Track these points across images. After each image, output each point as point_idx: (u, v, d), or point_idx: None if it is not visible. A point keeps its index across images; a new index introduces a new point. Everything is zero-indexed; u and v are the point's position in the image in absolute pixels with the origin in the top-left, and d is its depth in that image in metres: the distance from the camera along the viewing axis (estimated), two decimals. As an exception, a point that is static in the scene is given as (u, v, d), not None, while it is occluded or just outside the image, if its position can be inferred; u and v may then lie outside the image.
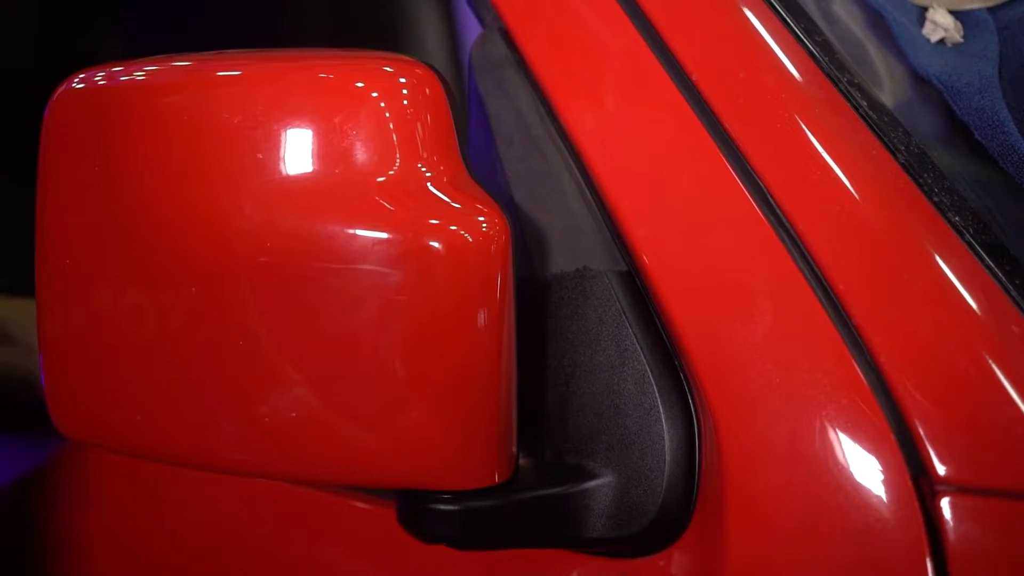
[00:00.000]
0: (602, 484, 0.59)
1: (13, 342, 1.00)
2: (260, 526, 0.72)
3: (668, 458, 0.58)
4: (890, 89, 0.66)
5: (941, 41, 0.71)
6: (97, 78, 0.61)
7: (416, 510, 0.58)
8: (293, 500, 0.70)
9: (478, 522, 0.58)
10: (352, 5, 1.62)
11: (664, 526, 0.58)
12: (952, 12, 0.72)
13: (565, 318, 0.62)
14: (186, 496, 0.74)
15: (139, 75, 0.61)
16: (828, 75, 0.60)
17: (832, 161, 0.58)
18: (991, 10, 0.73)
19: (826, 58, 0.61)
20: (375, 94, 0.56)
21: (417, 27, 1.58)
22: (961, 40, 0.71)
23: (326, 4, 1.63)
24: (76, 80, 0.61)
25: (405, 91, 0.57)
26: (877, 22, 0.70)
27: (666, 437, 0.58)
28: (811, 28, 0.62)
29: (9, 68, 1.64)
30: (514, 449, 0.58)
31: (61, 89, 0.61)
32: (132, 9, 1.68)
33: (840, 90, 0.60)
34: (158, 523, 0.76)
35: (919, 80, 0.68)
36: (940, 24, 0.71)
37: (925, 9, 0.72)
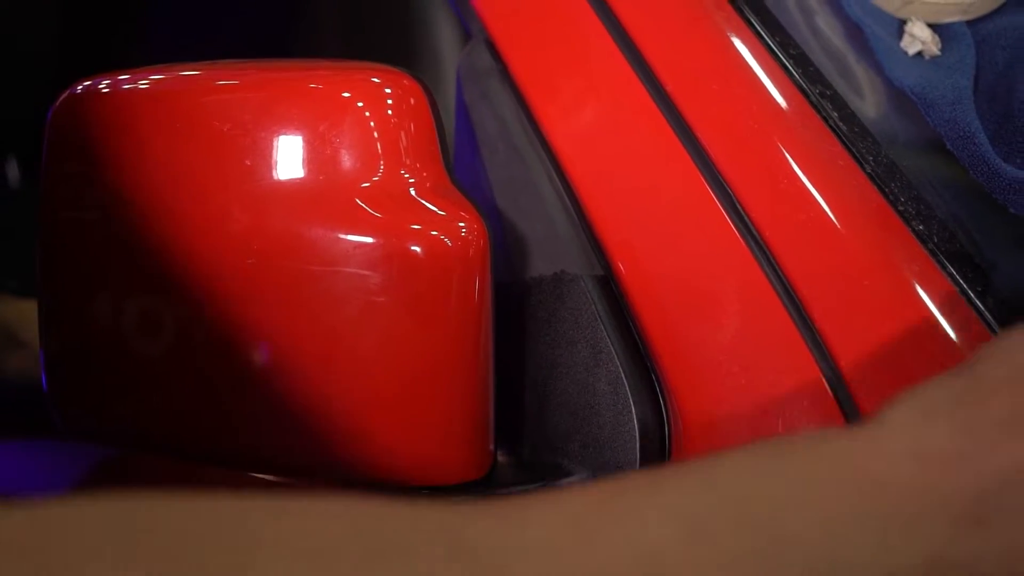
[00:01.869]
0: (576, 481, 0.61)
1: (25, 346, 1.02)
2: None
3: (639, 456, 0.60)
4: (864, 101, 0.68)
5: (919, 54, 0.72)
6: (101, 85, 0.63)
7: (396, 504, 0.60)
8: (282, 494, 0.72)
9: (456, 516, 0.60)
10: (367, 11, 1.64)
11: (635, 522, 0.60)
12: (931, 25, 0.73)
13: (543, 320, 0.64)
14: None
15: (142, 83, 0.64)
16: (799, 87, 0.62)
17: (800, 171, 0.59)
18: (970, 23, 0.74)
19: (799, 70, 0.63)
20: (360, 103, 0.59)
21: (431, 33, 1.60)
22: (939, 53, 0.72)
23: (342, 11, 1.65)
24: (79, 87, 0.63)
25: (390, 101, 0.59)
26: (856, 35, 0.71)
27: (637, 436, 0.60)
28: (786, 42, 0.64)
29: (30, 76, 1.67)
30: (492, 447, 0.60)
31: (64, 95, 0.63)
32: (154, 17, 1.70)
33: (811, 102, 0.62)
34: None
35: (894, 92, 0.69)
36: (918, 37, 0.72)
37: (904, 22, 0.73)
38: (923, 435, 0.40)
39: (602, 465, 0.61)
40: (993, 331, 0.57)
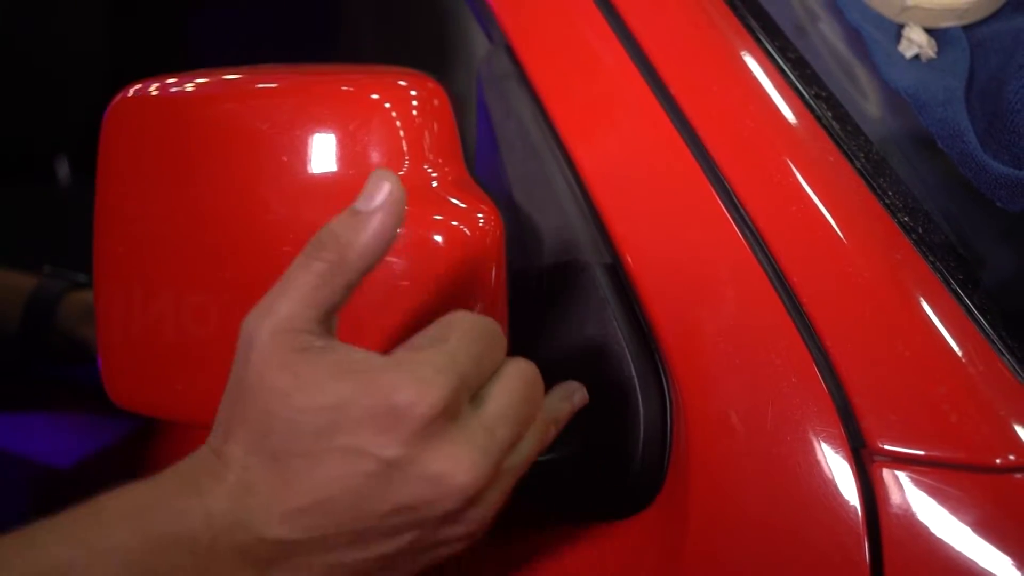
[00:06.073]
0: (583, 453, 0.66)
1: None
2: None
3: (642, 432, 0.64)
4: (860, 101, 0.72)
5: (916, 57, 0.76)
6: (151, 88, 0.68)
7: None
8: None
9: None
10: (405, 17, 1.69)
11: (638, 492, 0.65)
12: (928, 30, 0.77)
13: (555, 305, 0.68)
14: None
15: (188, 86, 0.68)
16: (795, 88, 0.67)
17: (793, 167, 0.64)
18: (967, 28, 0.78)
19: (796, 73, 0.67)
20: (388, 104, 0.63)
21: (466, 36, 1.64)
22: (934, 56, 0.76)
23: (380, 17, 1.70)
24: (131, 90, 0.68)
25: (415, 102, 0.63)
26: (854, 40, 0.76)
27: (641, 413, 0.64)
28: (785, 46, 0.69)
29: (81, 81, 1.74)
30: (506, 421, 0.65)
31: (118, 98, 0.68)
32: (197, 22, 1.77)
33: (806, 103, 0.66)
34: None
35: (890, 93, 0.73)
36: (915, 41, 0.76)
37: (902, 27, 0.77)
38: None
39: (608, 439, 0.65)
40: (971, 314, 0.61)
